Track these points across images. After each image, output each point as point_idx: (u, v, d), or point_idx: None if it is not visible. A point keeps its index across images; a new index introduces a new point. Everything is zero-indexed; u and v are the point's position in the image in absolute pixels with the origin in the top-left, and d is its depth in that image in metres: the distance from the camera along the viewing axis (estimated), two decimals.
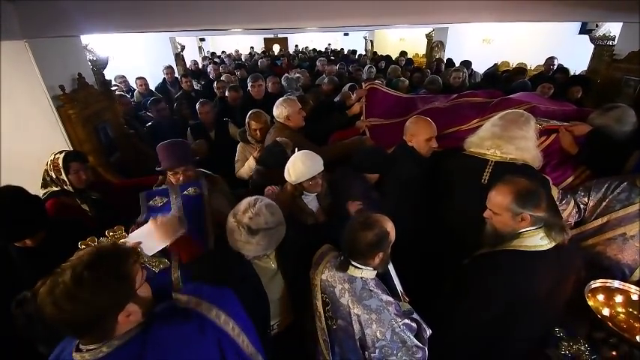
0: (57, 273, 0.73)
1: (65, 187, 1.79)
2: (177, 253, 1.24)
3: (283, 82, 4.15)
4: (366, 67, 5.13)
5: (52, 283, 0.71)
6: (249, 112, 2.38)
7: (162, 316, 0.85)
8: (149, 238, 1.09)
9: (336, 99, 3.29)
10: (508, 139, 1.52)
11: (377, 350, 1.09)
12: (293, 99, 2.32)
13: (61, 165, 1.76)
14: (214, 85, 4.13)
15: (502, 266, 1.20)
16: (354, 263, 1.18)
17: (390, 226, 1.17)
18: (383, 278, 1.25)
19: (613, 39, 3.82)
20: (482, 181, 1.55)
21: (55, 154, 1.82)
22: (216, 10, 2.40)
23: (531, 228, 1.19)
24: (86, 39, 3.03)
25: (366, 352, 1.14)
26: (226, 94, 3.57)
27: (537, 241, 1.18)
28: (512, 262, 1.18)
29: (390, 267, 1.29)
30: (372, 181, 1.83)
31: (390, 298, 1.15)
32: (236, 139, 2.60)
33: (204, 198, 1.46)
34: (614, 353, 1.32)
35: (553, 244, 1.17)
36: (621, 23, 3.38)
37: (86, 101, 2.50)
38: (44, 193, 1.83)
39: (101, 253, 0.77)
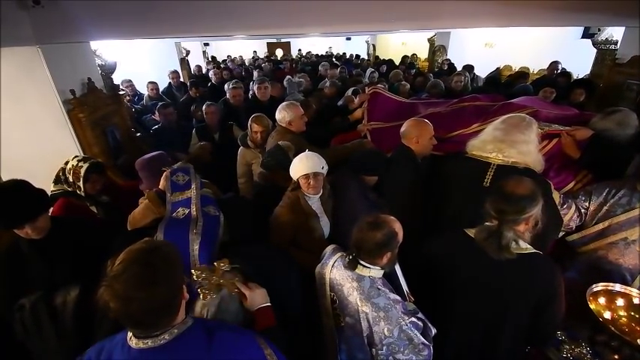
0: (111, 272, 0.75)
1: (78, 192, 1.85)
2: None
3: (285, 84, 4.21)
4: (369, 71, 5.17)
5: (110, 281, 0.73)
6: (252, 115, 2.41)
7: (221, 326, 0.93)
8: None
9: (339, 103, 3.33)
10: (510, 142, 1.53)
11: (384, 347, 1.11)
12: (296, 104, 2.36)
13: (82, 174, 1.81)
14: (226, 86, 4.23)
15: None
16: (362, 262, 1.20)
17: (397, 227, 1.19)
18: (389, 278, 1.28)
19: (615, 43, 3.84)
20: (485, 183, 1.56)
21: (79, 162, 1.85)
22: (222, 17, 2.46)
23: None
24: (95, 44, 3.10)
25: (374, 350, 1.15)
26: (227, 96, 3.60)
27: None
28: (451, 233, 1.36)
29: (397, 267, 1.31)
30: (371, 183, 1.86)
31: (398, 297, 1.17)
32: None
33: (220, 220, 1.40)
34: (616, 357, 1.32)
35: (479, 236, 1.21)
36: (623, 28, 3.39)
37: (95, 105, 2.56)
38: (56, 189, 1.88)
39: (153, 242, 0.82)
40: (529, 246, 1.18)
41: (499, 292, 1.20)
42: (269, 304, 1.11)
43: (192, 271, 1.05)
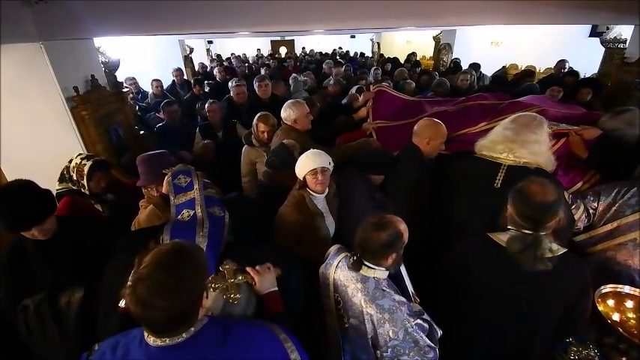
0: (135, 274, 0.75)
1: (83, 190, 1.84)
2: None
3: (291, 82, 4.21)
4: (372, 70, 5.14)
5: (133, 288, 0.72)
6: (258, 114, 2.40)
7: (233, 320, 0.96)
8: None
9: (344, 101, 3.31)
10: (521, 143, 1.49)
11: (389, 350, 1.10)
12: (302, 102, 2.34)
13: (85, 172, 1.80)
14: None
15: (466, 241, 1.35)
16: (366, 263, 1.18)
17: (403, 227, 1.17)
18: (394, 279, 1.26)
19: (624, 42, 3.78)
20: (495, 185, 1.52)
21: (83, 159, 1.83)
22: (225, 14, 2.44)
23: (511, 227, 1.20)
24: (98, 41, 3.09)
25: (378, 352, 1.14)
26: (231, 94, 3.60)
27: (503, 237, 1.20)
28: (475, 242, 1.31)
29: (402, 268, 1.30)
30: (377, 182, 1.84)
31: (403, 299, 1.16)
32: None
33: (225, 221, 1.37)
34: (623, 359, 1.31)
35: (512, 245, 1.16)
36: (632, 26, 3.34)
37: (98, 102, 2.55)
38: (60, 188, 1.87)
39: (181, 246, 0.82)
40: (559, 246, 1.16)
41: (532, 299, 1.17)
42: (276, 288, 1.12)
43: (206, 283, 1.07)
